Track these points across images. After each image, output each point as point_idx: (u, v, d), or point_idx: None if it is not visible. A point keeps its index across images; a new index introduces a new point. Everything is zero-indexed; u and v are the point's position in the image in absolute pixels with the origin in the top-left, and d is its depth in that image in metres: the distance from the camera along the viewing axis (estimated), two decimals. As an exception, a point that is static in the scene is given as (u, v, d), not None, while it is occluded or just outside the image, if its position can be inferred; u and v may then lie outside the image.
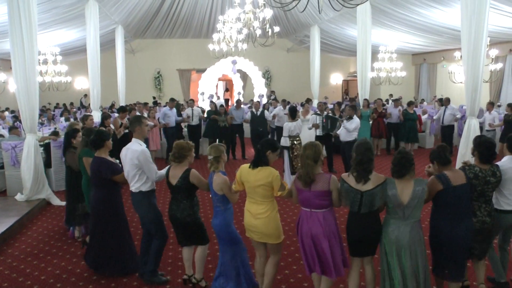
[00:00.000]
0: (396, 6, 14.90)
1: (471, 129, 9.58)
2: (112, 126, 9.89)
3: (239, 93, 21.57)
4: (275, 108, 14.48)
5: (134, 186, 5.18)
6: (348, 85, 29.89)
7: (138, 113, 13.26)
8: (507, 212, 4.70)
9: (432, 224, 4.42)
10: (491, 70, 14.70)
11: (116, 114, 12.81)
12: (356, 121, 10.18)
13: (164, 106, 15.76)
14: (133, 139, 5.29)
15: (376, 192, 4.19)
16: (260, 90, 20.90)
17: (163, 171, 5.22)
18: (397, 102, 14.51)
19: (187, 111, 13.72)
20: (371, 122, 13.74)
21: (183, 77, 26.26)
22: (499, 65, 15.46)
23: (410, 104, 14.34)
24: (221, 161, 4.81)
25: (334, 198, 4.32)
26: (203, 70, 21.29)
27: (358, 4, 6.18)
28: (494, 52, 14.00)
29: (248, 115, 13.67)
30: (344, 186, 4.28)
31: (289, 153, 9.74)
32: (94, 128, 7.71)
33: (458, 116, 13.39)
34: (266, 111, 13.64)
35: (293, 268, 5.74)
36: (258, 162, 4.57)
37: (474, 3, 8.96)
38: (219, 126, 13.24)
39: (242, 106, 14.27)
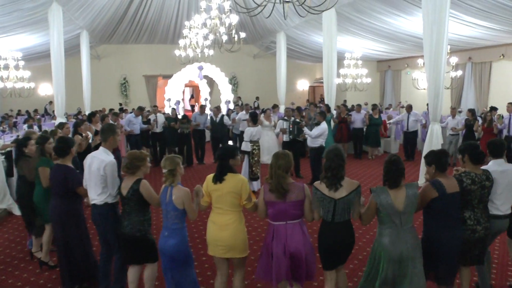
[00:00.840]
0: (361, 14, 15.11)
1: (433, 134, 9.82)
2: (89, 134, 9.68)
3: (205, 99, 21.51)
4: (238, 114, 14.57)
5: (99, 198, 4.83)
6: (315, 91, 30.15)
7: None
8: (496, 217, 4.67)
9: (426, 231, 4.40)
10: (452, 77, 15.06)
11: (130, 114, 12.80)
12: (321, 127, 10.15)
13: (131, 112, 15.55)
14: (101, 148, 4.98)
15: (350, 198, 4.12)
16: (227, 96, 20.90)
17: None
18: (358, 107, 14.83)
19: (150, 118, 13.59)
20: (333, 127, 14.10)
21: (150, 83, 25.98)
22: (459, 72, 15.86)
23: (374, 108, 14.62)
24: (177, 174, 4.48)
25: (306, 208, 4.22)
26: (169, 76, 21.17)
27: (323, 11, 6.23)
28: (454, 59, 14.39)
29: (208, 122, 13.68)
30: (317, 194, 4.17)
31: (249, 158, 9.71)
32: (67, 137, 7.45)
33: (423, 122, 13.73)
34: (225, 117, 13.81)
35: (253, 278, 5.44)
36: (222, 174, 4.40)
37: (435, 12, 9.21)
38: (181, 133, 13.13)
39: (206, 111, 14.27)
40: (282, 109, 18.77)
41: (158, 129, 13.45)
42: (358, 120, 14.34)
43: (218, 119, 13.60)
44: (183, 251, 4.50)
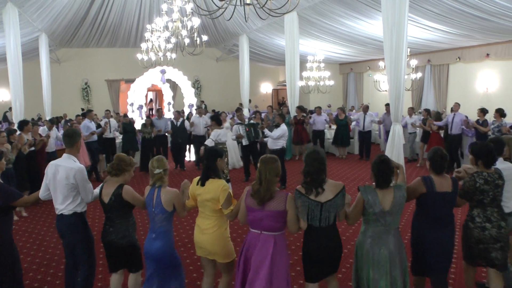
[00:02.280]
0: (323, 17, 15.23)
1: (395, 134, 9.98)
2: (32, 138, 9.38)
3: (169, 104, 21.26)
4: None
5: (67, 208, 4.61)
6: (278, 94, 30.24)
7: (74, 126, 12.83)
8: (509, 215, 4.68)
9: (414, 226, 4.40)
10: (412, 79, 15.33)
11: (43, 127, 12.21)
12: (282, 128, 10.20)
13: (103, 117, 15.20)
14: (66, 155, 4.70)
15: (337, 201, 3.98)
16: (190, 99, 20.70)
17: (97, 190, 4.73)
18: (319, 109, 15.14)
19: (102, 123, 13.26)
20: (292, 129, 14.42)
21: (112, 87, 25.41)
22: (419, 75, 16.14)
23: (340, 110, 15.03)
24: (167, 175, 4.51)
25: (290, 219, 3.96)
26: (132, 81, 20.76)
27: (284, 13, 6.24)
28: (414, 62, 14.63)
29: (168, 126, 13.51)
30: (302, 199, 3.97)
31: None
32: None
33: (376, 120, 14.49)
34: (186, 121, 13.63)
35: None
36: (207, 176, 4.39)
37: (394, 16, 9.34)
38: (143, 138, 12.88)
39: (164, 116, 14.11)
40: (245, 112, 18.74)
41: (111, 135, 13.14)
42: (319, 122, 14.62)
43: (179, 124, 13.44)
44: (169, 254, 4.44)
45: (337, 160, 14.71)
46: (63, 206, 4.63)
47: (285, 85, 17.95)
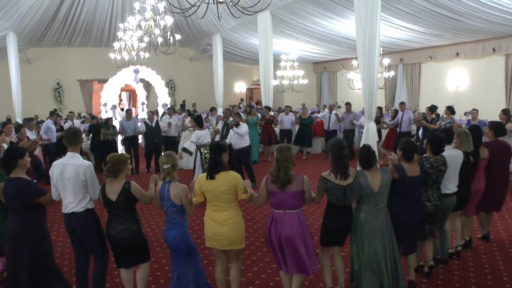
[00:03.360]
0: (296, 16, 15.28)
1: (369, 132, 10.08)
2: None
3: (142, 104, 21.04)
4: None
5: (80, 205, 4.66)
6: (252, 93, 30.25)
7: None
8: (446, 195, 5.43)
9: (389, 208, 4.88)
10: (385, 78, 15.51)
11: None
12: (244, 125, 10.37)
13: (65, 119, 14.89)
14: (70, 153, 4.74)
15: (355, 184, 4.60)
16: (164, 99, 20.52)
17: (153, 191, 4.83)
18: (287, 108, 15.12)
19: (66, 125, 12.91)
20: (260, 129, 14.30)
21: (85, 88, 24.93)
22: (391, 73, 16.36)
23: (303, 109, 15.18)
24: (176, 170, 4.71)
25: (307, 197, 4.57)
26: (105, 80, 20.43)
27: (257, 12, 6.23)
28: (386, 61, 14.83)
29: (142, 127, 13.09)
30: (328, 184, 4.61)
31: (202, 162, 9.32)
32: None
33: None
34: (160, 122, 13.36)
35: (255, 270, 5.91)
36: (215, 170, 4.59)
37: (367, 16, 9.42)
38: (105, 140, 12.20)
39: (133, 116, 13.79)
40: (220, 112, 18.65)
41: None
42: (286, 121, 14.56)
43: (154, 124, 13.06)
44: (184, 242, 4.66)
45: (299, 160, 14.31)
46: (74, 204, 4.67)
47: (259, 85, 17.97)
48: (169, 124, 13.22)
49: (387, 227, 4.71)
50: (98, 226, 4.83)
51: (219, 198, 4.56)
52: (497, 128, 6.31)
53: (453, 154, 5.46)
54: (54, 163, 4.78)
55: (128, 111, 13.54)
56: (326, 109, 14.97)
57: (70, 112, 14.06)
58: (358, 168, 4.87)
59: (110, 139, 12.31)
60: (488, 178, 6.11)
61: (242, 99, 28.28)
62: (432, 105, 12.28)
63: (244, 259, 6.06)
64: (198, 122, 9.62)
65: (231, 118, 11.20)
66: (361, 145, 4.80)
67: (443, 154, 5.30)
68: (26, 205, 4.55)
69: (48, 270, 4.72)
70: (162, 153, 5.96)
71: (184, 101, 25.77)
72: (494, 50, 15.43)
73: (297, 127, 14.91)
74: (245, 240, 4.83)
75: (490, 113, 12.87)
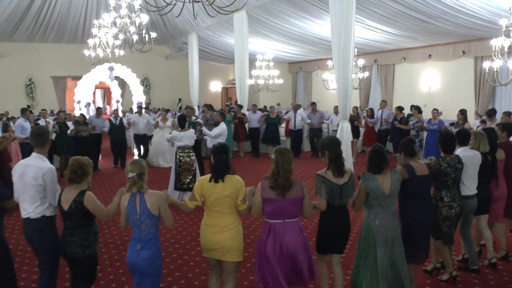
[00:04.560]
0: (272, 16, 15.35)
1: (344, 131, 10.23)
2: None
3: (117, 101, 20.90)
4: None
5: (36, 211, 4.30)
6: (228, 93, 30.25)
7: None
8: (467, 197, 5.37)
9: (402, 210, 4.90)
10: (359, 78, 15.69)
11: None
12: (221, 127, 9.93)
13: (37, 116, 14.63)
14: (35, 154, 4.41)
15: (350, 184, 4.47)
16: (139, 97, 20.42)
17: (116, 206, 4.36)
18: (254, 107, 15.39)
19: (40, 122, 12.65)
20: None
21: (58, 84, 24.48)
22: (366, 74, 16.56)
23: (271, 108, 15.44)
24: (146, 178, 4.16)
25: (307, 205, 4.22)
26: (79, 77, 20.21)
27: (233, 11, 6.27)
28: (361, 62, 15.00)
29: (106, 125, 13.17)
30: (325, 182, 4.39)
31: (176, 165, 8.94)
32: None
33: (308, 121, 14.66)
34: (124, 119, 13.48)
35: (250, 279, 5.49)
36: (222, 173, 4.24)
37: (342, 17, 9.56)
38: (79, 137, 12.22)
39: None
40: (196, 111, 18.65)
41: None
42: (254, 120, 14.88)
43: (117, 122, 13.25)
44: (156, 265, 4.15)
45: (268, 158, 14.48)
46: (30, 209, 4.32)
47: (234, 84, 17.99)
48: (129, 122, 13.36)
49: (398, 231, 4.57)
50: (53, 237, 4.43)
51: (222, 203, 4.19)
52: (510, 128, 6.35)
53: (470, 155, 5.41)
54: (19, 162, 4.54)
55: (99, 109, 13.75)
56: (294, 110, 15.16)
57: (43, 110, 13.79)
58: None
59: (84, 135, 12.29)
60: (506, 180, 5.99)
61: (230, 98, 28.21)
62: (400, 106, 12.99)
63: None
64: (179, 123, 9.13)
65: (193, 117, 11.24)
66: (371, 149, 4.60)
67: (460, 154, 5.29)
68: None
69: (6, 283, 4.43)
70: (135, 153, 5.80)
71: (180, 99, 26.04)
72: (464, 52, 15.77)
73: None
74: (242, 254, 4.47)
75: (461, 113, 13.18)
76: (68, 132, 12.22)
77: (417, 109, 12.10)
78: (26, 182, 4.30)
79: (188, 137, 8.92)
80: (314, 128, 14.68)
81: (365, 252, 4.53)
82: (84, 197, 4.11)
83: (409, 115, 12.46)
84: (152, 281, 4.15)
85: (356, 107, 14.09)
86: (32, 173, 4.28)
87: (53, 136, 11.93)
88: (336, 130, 13.78)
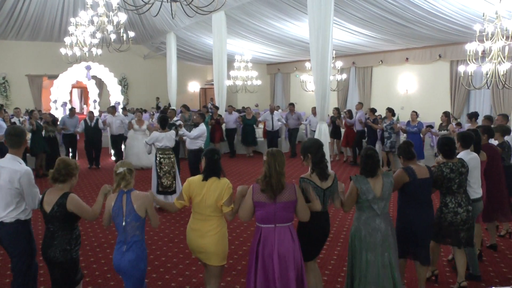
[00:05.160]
0: (250, 17, 15.36)
1: (321, 132, 10.27)
2: None
3: (94, 101, 20.64)
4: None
5: (10, 216, 4.17)
6: (206, 93, 30.15)
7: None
8: (475, 200, 5.33)
9: (401, 213, 4.87)
10: (337, 80, 15.79)
11: None
12: (200, 128, 9.65)
13: (11, 115, 14.35)
14: (9, 156, 4.25)
15: (333, 187, 4.39)
16: (116, 97, 20.20)
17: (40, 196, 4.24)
18: (230, 108, 15.57)
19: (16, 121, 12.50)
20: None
21: (34, 83, 24.00)
22: (344, 76, 16.67)
23: (247, 109, 15.63)
24: (133, 176, 4.10)
25: (301, 207, 4.08)
26: (55, 76, 19.88)
27: (211, 12, 6.25)
28: (339, 64, 15.08)
29: (81, 126, 12.96)
30: (311, 184, 4.27)
31: (156, 168, 8.67)
32: None
33: (284, 122, 14.97)
34: (99, 121, 13.22)
35: (242, 281, 5.44)
36: (211, 172, 4.25)
37: (320, 19, 9.59)
38: (47, 137, 11.99)
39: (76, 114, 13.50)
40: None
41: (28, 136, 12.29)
42: (230, 121, 15.00)
43: (93, 123, 12.95)
44: (141, 268, 4.05)
45: (245, 158, 15.10)
46: (4, 213, 4.18)
47: (212, 84, 17.95)
48: (104, 122, 13.18)
49: (391, 236, 4.43)
50: (28, 242, 4.32)
51: (206, 206, 4.19)
52: (490, 131, 6.51)
53: (473, 157, 5.42)
54: None
55: (72, 109, 13.48)
56: (268, 111, 15.25)
57: (16, 108, 13.55)
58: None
59: (52, 135, 12.09)
60: (488, 182, 6.03)
61: (212, 99, 28.04)
62: (373, 107, 13.41)
63: (228, 270, 5.75)
64: (161, 123, 8.82)
65: (174, 118, 11.16)
66: (363, 153, 4.49)
67: (464, 158, 5.24)
68: None
69: None
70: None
71: (158, 98, 25.98)
72: (440, 56, 16.01)
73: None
74: (226, 258, 4.48)
75: (437, 115, 13.32)
76: (43, 132, 12.03)
77: (390, 111, 12.36)
78: (1, 186, 4.15)
79: (168, 138, 8.65)
80: (291, 128, 15.07)
81: (355, 257, 4.43)
82: (67, 199, 3.99)
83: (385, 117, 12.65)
84: (133, 284, 4.07)
85: (337, 108, 14.50)
86: (6, 176, 4.13)
87: (29, 135, 11.63)
88: (314, 131, 14.21)
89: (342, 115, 14.82)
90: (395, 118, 13.12)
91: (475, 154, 5.50)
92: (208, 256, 4.27)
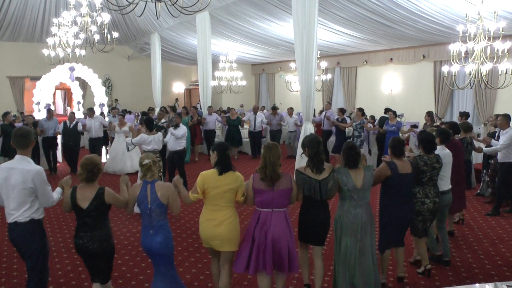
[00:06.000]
0: (235, 18, 15.33)
1: (306, 132, 10.32)
2: None
3: (78, 103, 20.43)
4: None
5: (24, 215, 4.23)
6: (191, 94, 30.05)
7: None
8: (443, 192, 5.77)
9: (382, 203, 5.34)
10: (322, 80, 15.84)
11: None
12: (183, 128, 9.81)
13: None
14: (19, 156, 4.31)
15: (329, 179, 4.71)
16: (100, 99, 20.03)
17: (57, 195, 4.47)
18: (210, 109, 15.51)
19: None
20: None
21: (15, 85, 23.57)
22: (329, 76, 16.72)
23: (231, 110, 15.76)
24: (157, 167, 4.56)
25: (294, 194, 4.66)
26: (38, 78, 19.62)
27: (195, 12, 6.22)
28: (324, 64, 15.11)
29: (60, 127, 12.73)
30: (303, 177, 4.70)
31: None
32: None
33: (265, 121, 15.32)
34: (79, 124, 12.82)
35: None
36: (227, 167, 4.57)
37: (304, 20, 9.63)
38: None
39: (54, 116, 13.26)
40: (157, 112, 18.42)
41: None
42: (210, 122, 14.88)
43: (71, 126, 12.61)
44: (169, 246, 4.51)
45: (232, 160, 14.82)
46: (18, 212, 4.24)
47: (197, 85, 17.88)
48: (84, 126, 12.74)
49: (369, 224, 4.82)
50: (43, 240, 4.42)
51: (221, 197, 4.53)
52: (456, 127, 7.11)
53: (447, 153, 5.86)
54: (1, 166, 4.41)
55: (49, 111, 13.18)
56: (253, 112, 15.30)
57: None
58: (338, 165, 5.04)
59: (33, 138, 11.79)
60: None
61: (199, 101, 27.85)
62: (342, 107, 13.87)
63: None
64: (147, 125, 8.78)
65: (163, 120, 11.07)
66: (345, 146, 4.91)
67: (440, 153, 5.67)
68: None
69: None
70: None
71: (116, 99, 25.38)
72: (424, 56, 16.11)
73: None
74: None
75: (421, 115, 13.43)
76: None
77: (360, 111, 12.78)
78: (12, 186, 4.21)
79: (156, 141, 8.60)
80: (274, 130, 15.26)
81: (337, 243, 4.87)
82: (105, 193, 4.32)
83: (383, 118, 12.74)
84: (165, 262, 4.51)
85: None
86: (19, 176, 4.19)
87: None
88: (292, 131, 14.92)
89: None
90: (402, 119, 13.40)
91: (448, 151, 5.92)
92: (224, 243, 4.57)
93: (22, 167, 4.23)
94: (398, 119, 12.24)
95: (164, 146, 9.94)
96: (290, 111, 15.46)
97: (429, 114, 11.24)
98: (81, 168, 4.34)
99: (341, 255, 4.81)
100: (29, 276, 4.46)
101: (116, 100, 25.36)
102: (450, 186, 5.94)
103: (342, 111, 13.27)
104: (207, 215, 4.61)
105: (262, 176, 4.51)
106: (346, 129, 13.29)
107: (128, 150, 9.18)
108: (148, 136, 8.55)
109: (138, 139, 8.57)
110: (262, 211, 4.57)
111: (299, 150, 10.06)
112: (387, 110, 12.72)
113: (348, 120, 13.45)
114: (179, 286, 4.69)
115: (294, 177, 4.79)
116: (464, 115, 10.27)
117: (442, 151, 5.82)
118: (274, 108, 15.51)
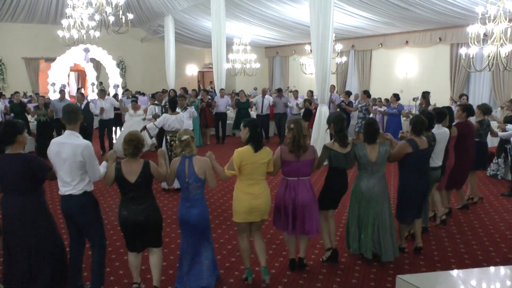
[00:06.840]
0: (250, 0, 15.24)
1: (322, 115, 10.30)
2: None
3: (92, 84, 20.53)
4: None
5: (77, 188, 4.38)
6: (204, 76, 30.02)
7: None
8: (433, 168, 6.06)
9: (401, 179, 5.67)
10: (337, 63, 15.76)
11: None
12: (189, 110, 10.22)
13: (9, 99, 14.20)
14: (68, 131, 4.45)
15: (352, 152, 5.26)
16: (115, 80, 20.10)
17: (104, 169, 4.57)
18: (222, 91, 15.04)
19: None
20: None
21: (30, 66, 23.66)
22: (343, 59, 16.65)
23: (240, 92, 15.41)
24: (194, 142, 4.73)
25: (315, 165, 5.17)
26: (52, 59, 19.71)
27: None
28: (339, 47, 15.06)
29: None
30: (332, 152, 5.22)
31: (167, 151, 8.42)
32: None
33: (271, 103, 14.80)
34: (91, 104, 12.51)
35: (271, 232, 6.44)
36: (259, 143, 4.84)
37: (321, 2, 9.56)
38: (38, 121, 11.88)
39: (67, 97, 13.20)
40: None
41: None
42: (221, 104, 14.41)
43: (83, 106, 12.12)
44: (206, 218, 4.76)
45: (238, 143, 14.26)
46: (71, 186, 4.39)
47: (211, 68, 17.90)
48: (102, 109, 12.33)
49: (384, 194, 5.32)
50: (97, 210, 4.61)
51: (257, 171, 4.82)
52: (470, 110, 7.08)
53: (442, 132, 6.17)
54: (52, 141, 4.53)
55: (62, 92, 13.05)
56: (263, 94, 15.07)
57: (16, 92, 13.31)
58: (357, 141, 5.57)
59: (42, 120, 11.86)
60: (457, 156, 6.77)
61: (211, 82, 27.76)
62: (348, 90, 13.93)
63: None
64: (171, 105, 8.76)
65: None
66: (365, 122, 5.38)
67: (435, 131, 5.98)
68: (37, 182, 4.37)
69: (50, 255, 4.47)
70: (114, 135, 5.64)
71: (101, 82, 25.14)
72: (440, 39, 15.95)
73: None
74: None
75: (436, 99, 13.35)
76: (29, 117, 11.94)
77: (366, 93, 12.79)
78: (64, 160, 4.35)
79: (178, 120, 8.60)
80: (280, 112, 14.51)
81: (352, 208, 5.44)
82: (150, 166, 4.48)
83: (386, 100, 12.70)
84: (202, 231, 4.75)
85: (311, 91, 14.35)
86: (69, 150, 4.33)
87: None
88: (296, 114, 14.17)
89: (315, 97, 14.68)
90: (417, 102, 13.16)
91: (445, 129, 6.25)
92: (261, 214, 4.90)
93: (72, 141, 4.37)
94: (413, 101, 12.18)
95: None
96: (296, 94, 15.17)
97: (424, 96, 10.85)
98: (126, 144, 4.43)
99: (354, 219, 5.40)
100: (91, 248, 4.69)
101: (101, 83, 23.95)
102: (439, 164, 6.20)
103: (348, 93, 13.38)
104: (245, 189, 4.84)
105: (291, 149, 4.90)
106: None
107: (150, 137, 9.12)
108: (170, 116, 8.58)
109: (161, 120, 8.63)
110: (289, 179, 5.03)
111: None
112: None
113: (355, 104, 13.41)
114: (213, 263, 4.92)
115: (321, 152, 5.31)
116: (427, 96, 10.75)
117: (438, 129, 6.12)
118: (280, 91, 14.96)
